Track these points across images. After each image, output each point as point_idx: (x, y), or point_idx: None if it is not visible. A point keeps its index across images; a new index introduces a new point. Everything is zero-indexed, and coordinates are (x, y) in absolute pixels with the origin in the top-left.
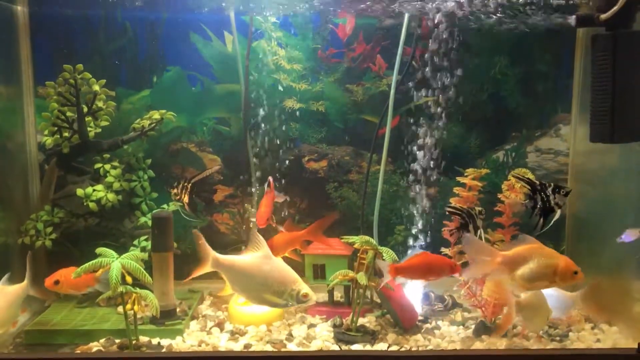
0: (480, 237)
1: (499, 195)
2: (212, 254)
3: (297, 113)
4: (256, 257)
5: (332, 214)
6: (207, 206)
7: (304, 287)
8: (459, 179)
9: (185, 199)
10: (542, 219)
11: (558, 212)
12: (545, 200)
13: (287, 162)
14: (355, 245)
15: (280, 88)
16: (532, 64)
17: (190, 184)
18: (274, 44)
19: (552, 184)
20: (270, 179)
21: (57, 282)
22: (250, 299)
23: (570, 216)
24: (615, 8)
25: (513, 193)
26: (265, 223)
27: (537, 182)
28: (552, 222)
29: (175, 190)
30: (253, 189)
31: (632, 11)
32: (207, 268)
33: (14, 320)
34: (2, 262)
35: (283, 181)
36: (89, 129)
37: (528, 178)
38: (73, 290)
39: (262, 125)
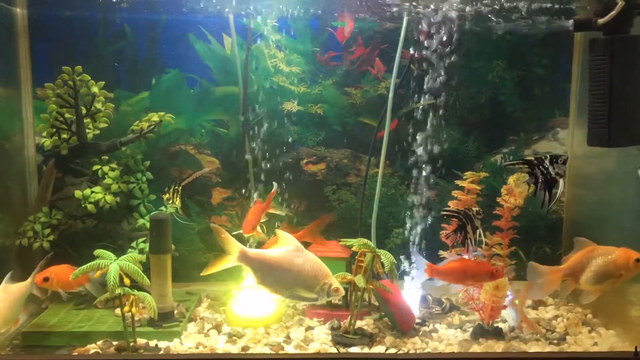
0: (479, 237)
1: (498, 199)
2: (239, 246)
3: (295, 115)
4: (288, 250)
5: (328, 214)
6: (203, 209)
7: (334, 282)
8: (457, 182)
9: (177, 202)
10: (547, 192)
11: (561, 182)
12: (545, 173)
13: (285, 164)
14: (353, 248)
15: (278, 91)
16: (530, 68)
17: (180, 188)
18: (272, 47)
19: (547, 156)
20: (275, 187)
21: (46, 279)
22: (279, 293)
23: (568, 220)
24: (613, 13)
25: (512, 197)
26: (250, 231)
27: (532, 158)
28: (560, 193)
29: (167, 195)
30: (250, 192)
31: (630, 16)
32: (232, 262)
33: (16, 318)
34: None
35: (280, 184)
36: (87, 130)
37: (522, 158)
38: (63, 288)
39: (261, 127)
